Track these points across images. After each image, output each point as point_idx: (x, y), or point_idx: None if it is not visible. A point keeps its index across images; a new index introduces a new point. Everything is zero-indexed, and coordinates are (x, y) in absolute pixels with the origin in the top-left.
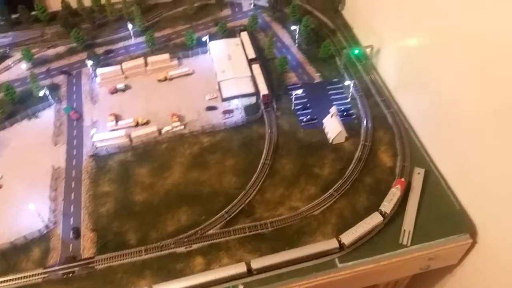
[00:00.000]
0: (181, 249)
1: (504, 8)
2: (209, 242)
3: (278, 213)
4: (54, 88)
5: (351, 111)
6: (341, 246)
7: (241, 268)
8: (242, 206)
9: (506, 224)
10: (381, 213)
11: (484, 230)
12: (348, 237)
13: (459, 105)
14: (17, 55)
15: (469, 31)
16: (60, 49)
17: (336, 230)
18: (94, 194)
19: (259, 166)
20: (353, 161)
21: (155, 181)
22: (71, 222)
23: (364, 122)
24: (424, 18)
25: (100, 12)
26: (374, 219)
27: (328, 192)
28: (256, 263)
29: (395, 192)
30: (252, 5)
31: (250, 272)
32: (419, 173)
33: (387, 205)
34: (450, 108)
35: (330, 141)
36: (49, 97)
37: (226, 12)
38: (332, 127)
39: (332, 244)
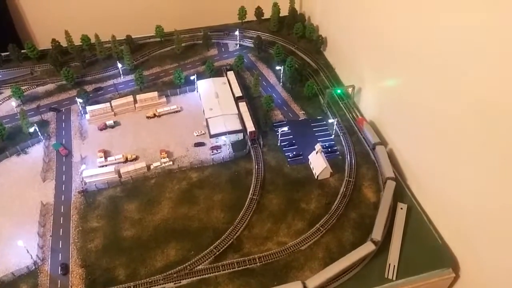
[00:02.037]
0: (170, 285)
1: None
2: (198, 277)
3: (266, 248)
4: (43, 124)
5: (335, 148)
6: None
7: (369, 247)
8: (231, 241)
9: (486, 259)
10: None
11: (465, 265)
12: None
13: (437, 142)
14: (7, 92)
15: (443, 73)
16: (50, 86)
17: (323, 264)
18: (82, 229)
19: (247, 201)
20: (338, 196)
21: (144, 217)
22: (60, 258)
23: (348, 158)
24: (401, 61)
25: (90, 51)
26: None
27: (315, 227)
28: None
29: (369, 127)
30: (238, 46)
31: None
32: (401, 208)
33: (373, 138)
34: (428, 145)
35: (316, 176)
36: (39, 133)
37: (213, 51)
38: (317, 163)
39: None
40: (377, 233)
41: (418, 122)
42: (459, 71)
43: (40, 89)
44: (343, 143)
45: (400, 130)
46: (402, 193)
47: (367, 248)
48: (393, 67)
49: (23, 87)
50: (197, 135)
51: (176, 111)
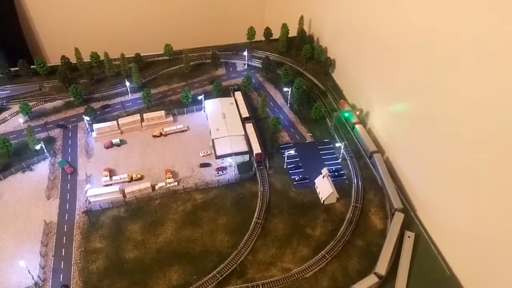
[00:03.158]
0: None
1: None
2: None
3: (270, 275)
4: (49, 141)
5: (342, 172)
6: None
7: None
8: (234, 266)
9: None
10: None
11: None
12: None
13: (447, 171)
14: (15, 107)
15: (456, 99)
16: (58, 103)
17: None
18: (85, 250)
19: (252, 225)
20: (345, 222)
21: (147, 238)
22: (61, 279)
23: (355, 183)
24: (411, 86)
25: (99, 68)
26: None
27: (320, 254)
28: None
29: (349, 108)
30: (246, 66)
31: None
32: (409, 237)
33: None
34: (437, 174)
35: (322, 201)
36: (45, 150)
37: (221, 71)
38: (324, 187)
39: None
40: (397, 202)
41: (428, 150)
42: (473, 98)
43: (48, 105)
44: (350, 167)
45: (408, 157)
46: (410, 221)
47: (398, 219)
48: (402, 92)
49: (31, 103)
50: (203, 156)
51: (183, 131)
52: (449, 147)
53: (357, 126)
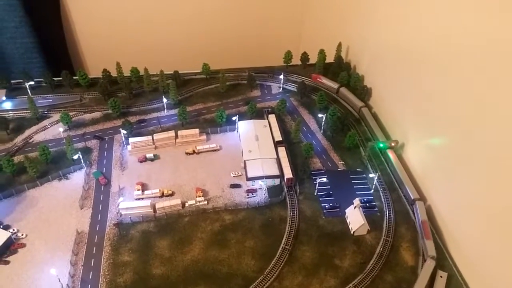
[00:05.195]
0: None
1: None
2: None
3: None
4: (86, 151)
5: (373, 203)
6: None
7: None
8: None
9: None
10: None
11: None
12: None
13: (485, 210)
14: (55, 116)
15: (497, 136)
16: (96, 114)
17: None
18: (113, 262)
19: (279, 251)
20: (375, 256)
21: (174, 255)
22: None
23: (387, 216)
24: (451, 119)
25: (138, 83)
26: None
27: (348, 287)
28: None
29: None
30: (281, 89)
31: None
32: (441, 277)
33: (333, 84)
34: (474, 212)
35: (352, 232)
36: (81, 160)
37: (256, 93)
38: (355, 218)
39: None
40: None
41: (467, 187)
42: None
43: (87, 116)
44: (383, 199)
45: (444, 193)
46: (442, 259)
47: None
48: (442, 128)
49: (71, 113)
50: (233, 176)
51: (215, 150)
52: (492, 187)
53: (342, 88)
